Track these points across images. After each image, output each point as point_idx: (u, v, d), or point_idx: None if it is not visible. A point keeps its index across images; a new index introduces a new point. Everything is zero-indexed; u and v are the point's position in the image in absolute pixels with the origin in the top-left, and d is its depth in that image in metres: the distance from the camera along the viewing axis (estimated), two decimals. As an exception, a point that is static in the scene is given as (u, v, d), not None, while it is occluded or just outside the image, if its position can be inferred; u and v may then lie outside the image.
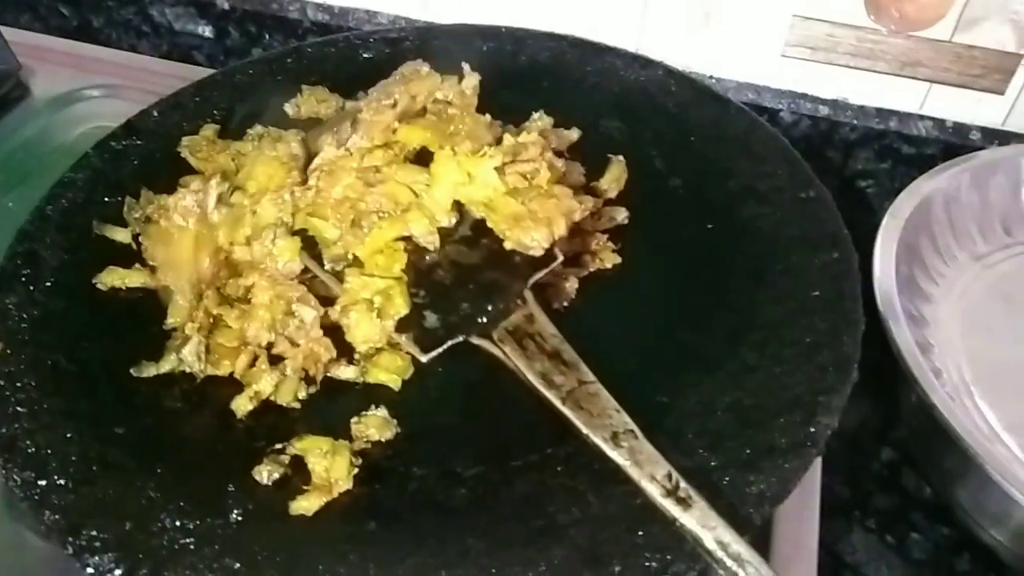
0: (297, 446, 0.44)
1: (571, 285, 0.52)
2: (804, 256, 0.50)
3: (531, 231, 0.47)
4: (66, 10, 0.91)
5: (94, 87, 0.78)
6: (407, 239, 0.49)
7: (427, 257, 0.48)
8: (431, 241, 0.48)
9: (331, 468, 0.43)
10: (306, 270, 0.49)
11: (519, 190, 0.49)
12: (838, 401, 0.43)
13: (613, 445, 0.40)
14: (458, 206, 0.49)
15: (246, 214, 0.49)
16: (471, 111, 0.52)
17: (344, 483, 0.43)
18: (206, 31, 0.87)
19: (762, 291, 0.49)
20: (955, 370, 0.58)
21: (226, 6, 0.84)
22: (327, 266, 0.48)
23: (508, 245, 0.48)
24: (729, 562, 0.36)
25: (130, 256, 0.53)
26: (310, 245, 0.49)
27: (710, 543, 0.37)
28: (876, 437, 0.60)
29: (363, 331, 0.46)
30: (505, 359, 0.44)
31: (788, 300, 0.48)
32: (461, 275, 0.48)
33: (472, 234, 0.49)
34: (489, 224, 0.48)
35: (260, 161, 0.51)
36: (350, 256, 0.48)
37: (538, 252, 0.48)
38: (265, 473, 0.43)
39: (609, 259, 0.53)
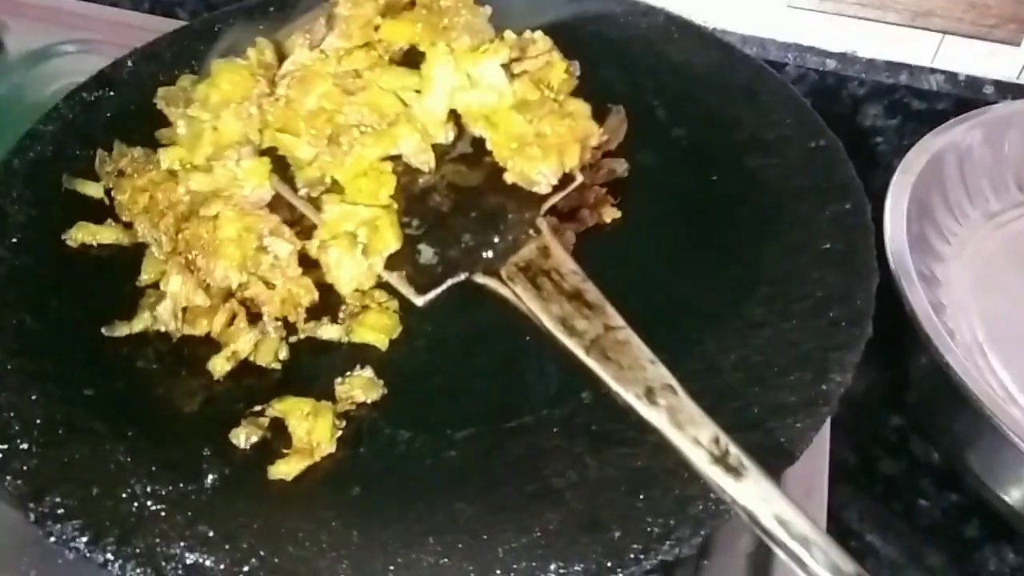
0: (277, 408, 0.42)
1: (568, 241, 0.49)
2: (813, 207, 0.48)
3: (538, 162, 0.41)
4: (42, -34, 0.87)
5: (70, 42, 0.75)
6: (396, 159, 0.42)
7: (420, 180, 0.41)
8: (425, 160, 0.42)
9: (313, 431, 0.40)
10: (278, 198, 0.43)
11: (528, 103, 0.42)
12: (852, 357, 0.40)
13: (648, 403, 0.35)
14: (456, 117, 0.42)
15: (205, 130, 0.43)
16: (468, 2, 0.44)
17: (327, 446, 0.40)
18: (188, -14, 0.84)
19: (770, 244, 0.47)
20: (968, 331, 0.57)
21: (209, -41, 0.81)
22: (302, 191, 0.42)
23: (509, 178, 0.42)
24: (791, 543, 0.31)
25: (101, 212, 0.51)
26: (282, 167, 0.43)
27: (768, 521, 0.32)
28: (884, 403, 0.58)
29: (347, 270, 0.41)
30: (516, 301, 0.39)
31: (797, 253, 0.46)
32: (461, 200, 0.41)
33: (474, 151, 0.42)
34: (490, 146, 0.42)
35: (225, 68, 0.43)
36: (328, 180, 0.42)
37: (544, 188, 0.41)
38: (243, 436, 0.41)
39: (608, 213, 0.51)
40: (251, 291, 0.43)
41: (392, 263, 0.41)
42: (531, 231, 0.40)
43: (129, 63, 0.59)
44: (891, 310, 0.51)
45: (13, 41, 0.76)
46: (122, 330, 0.45)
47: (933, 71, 0.70)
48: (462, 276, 0.40)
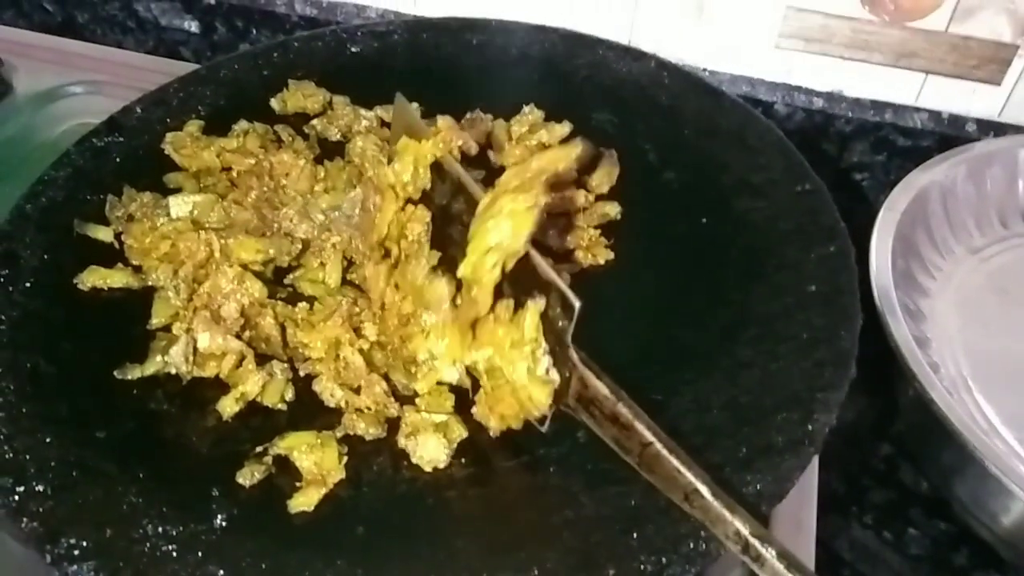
0: (280, 445, 0.43)
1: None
2: (800, 250, 0.49)
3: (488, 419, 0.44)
4: (50, 6, 0.90)
5: (78, 83, 0.76)
6: None
7: None
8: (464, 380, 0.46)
9: (321, 461, 0.42)
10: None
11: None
12: (836, 398, 0.42)
13: (689, 507, 0.38)
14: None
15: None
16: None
17: (337, 473, 0.42)
18: (192, 26, 0.86)
19: (758, 286, 0.48)
20: (952, 364, 0.58)
21: (212, 0, 0.83)
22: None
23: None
24: None
25: (112, 255, 0.52)
26: None
27: None
28: (873, 432, 0.59)
29: (429, 451, 0.43)
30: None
31: (784, 295, 0.47)
32: None
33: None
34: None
35: (316, 328, 0.47)
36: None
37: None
38: (248, 475, 0.42)
39: (602, 255, 0.52)
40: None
41: None
42: (570, 365, 0.41)
43: (138, 109, 0.60)
44: (880, 341, 0.52)
45: (21, 82, 0.77)
46: (134, 373, 0.46)
47: (917, 109, 0.72)
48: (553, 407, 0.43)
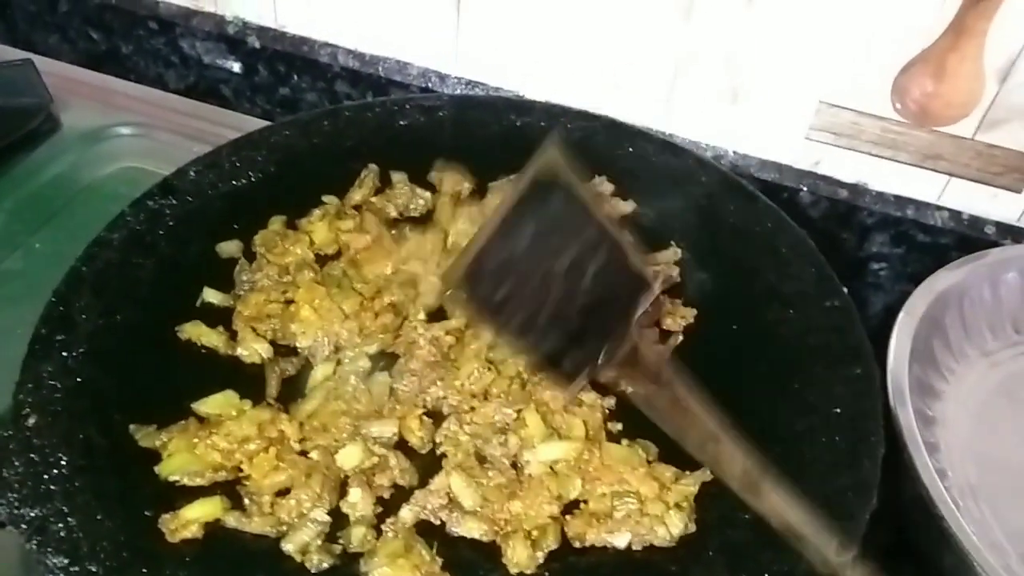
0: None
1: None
2: (827, 368, 0.51)
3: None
4: (96, 35, 0.91)
5: (124, 124, 0.77)
6: None
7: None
8: None
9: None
10: None
11: None
12: (858, 527, 0.43)
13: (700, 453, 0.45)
14: None
15: None
16: None
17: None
18: (235, 67, 0.87)
19: (785, 402, 0.50)
20: (961, 472, 0.59)
21: (257, 44, 0.85)
22: None
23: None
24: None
25: (164, 328, 0.54)
26: None
27: None
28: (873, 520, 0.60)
29: None
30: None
31: (810, 414, 0.49)
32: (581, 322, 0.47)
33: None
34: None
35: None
36: None
37: None
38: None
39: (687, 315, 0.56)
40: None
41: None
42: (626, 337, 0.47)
43: (191, 172, 0.61)
44: (889, 438, 0.53)
45: (69, 120, 0.78)
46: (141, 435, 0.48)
47: (939, 208, 0.74)
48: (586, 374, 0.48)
